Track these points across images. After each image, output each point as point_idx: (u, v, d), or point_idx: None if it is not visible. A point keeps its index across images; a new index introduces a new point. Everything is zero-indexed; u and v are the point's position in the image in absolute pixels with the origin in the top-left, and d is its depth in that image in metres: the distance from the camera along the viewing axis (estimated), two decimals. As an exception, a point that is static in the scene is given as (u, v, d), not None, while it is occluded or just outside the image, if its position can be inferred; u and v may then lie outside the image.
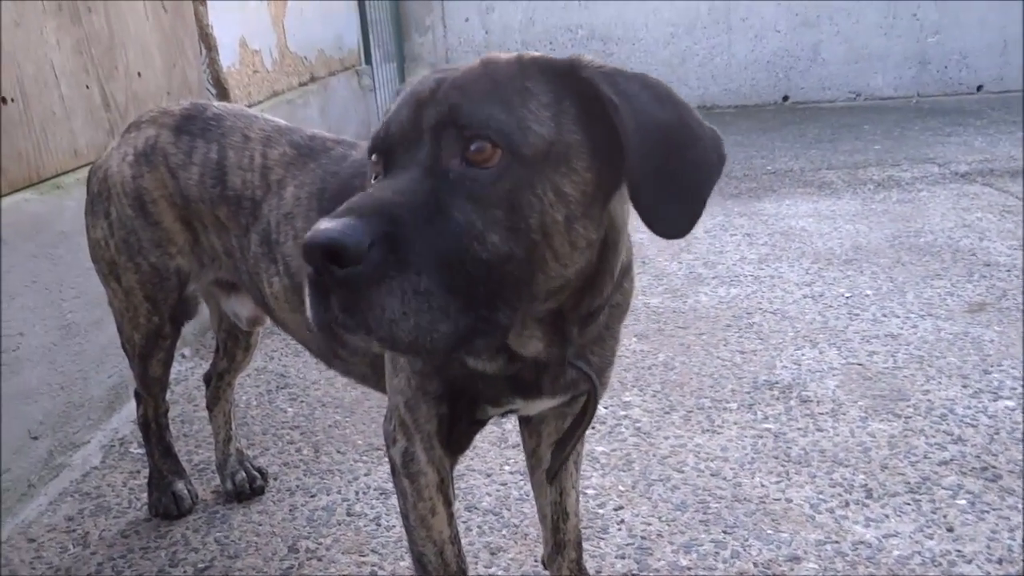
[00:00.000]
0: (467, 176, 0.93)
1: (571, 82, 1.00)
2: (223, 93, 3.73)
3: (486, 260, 0.91)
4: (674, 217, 0.98)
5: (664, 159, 0.96)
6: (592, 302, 1.12)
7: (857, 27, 7.54)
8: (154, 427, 2.02)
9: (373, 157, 1.04)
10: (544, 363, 1.16)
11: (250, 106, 4.00)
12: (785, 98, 7.79)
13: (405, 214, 0.90)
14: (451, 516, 1.37)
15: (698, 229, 4.03)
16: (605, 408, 2.46)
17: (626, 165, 0.96)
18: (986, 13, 7.41)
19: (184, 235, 1.71)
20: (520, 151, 0.93)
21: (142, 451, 2.15)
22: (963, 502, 1.93)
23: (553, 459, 1.34)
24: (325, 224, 0.87)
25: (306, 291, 0.92)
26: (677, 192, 0.97)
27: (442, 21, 7.63)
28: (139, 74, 2.94)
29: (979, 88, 7.64)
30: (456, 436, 1.31)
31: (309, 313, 0.92)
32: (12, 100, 2.23)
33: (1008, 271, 3.34)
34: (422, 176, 0.94)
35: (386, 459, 1.39)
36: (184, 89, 3.30)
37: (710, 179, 0.99)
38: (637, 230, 3.75)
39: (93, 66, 2.66)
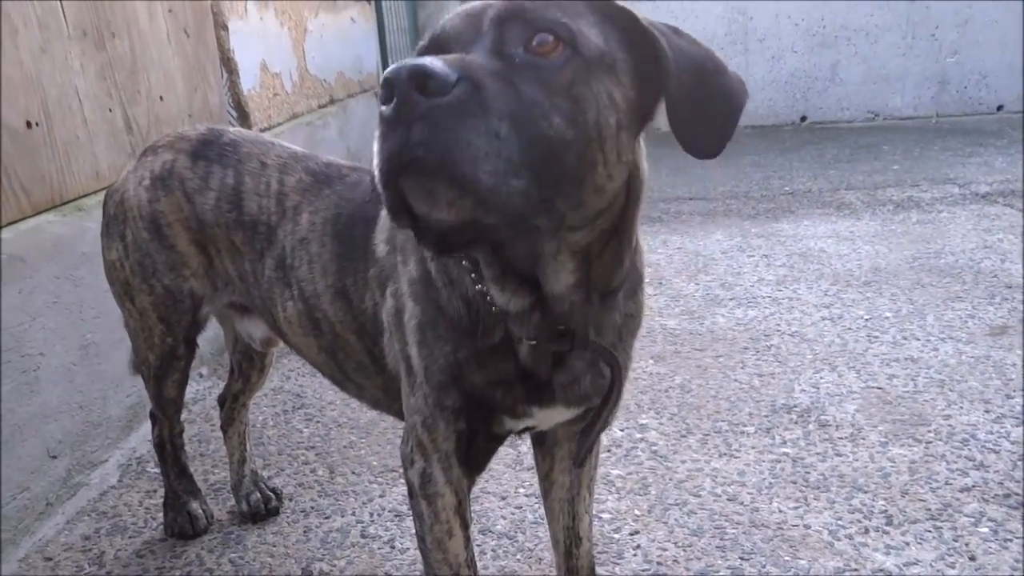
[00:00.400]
0: (532, 63, 0.95)
1: (610, 13, 1.04)
2: (243, 116, 3.78)
3: (551, 139, 0.92)
4: (707, 137, 1.03)
5: (698, 83, 1.02)
6: (614, 265, 1.13)
7: (875, 48, 7.53)
8: (169, 448, 2.03)
9: None
10: (567, 320, 1.14)
11: (270, 128, 4.04)
12: (803, 118, 7.78)
13: (481, 71, 0.90)
14: (468, 539, 1.37)
15: (715, 250, 4.03)
16: (621, 431, 2.44)
17: (666, 88, 1.01)
18: (1005, 33, 7.38)
19: (198, 258, 1.73)
20: (580, 49, 0.97)
21: (159, 470, 2.16)
22: (985, 530, 1.89)
23: (579, 444, 1.31)
24: (408, 60, 0.86)
25: (375, 138, 0.89)
26: (710, 114, 1.03)
27: (460, 43, 7.71)
28: (161, 98, 2.99)
29: (999, 108, 7.59)
30: (474, 454, 1.31)
31: (376, 161, 0.89)
32: (36, 124, 2.27)
33: (1031, 293, 3.30)
34: (489, 55, 0.95)
35: (401, 481, 1.40)
36: (205, 112, 3.35)
37: (739, 104, 1.05)
38: (654, 251, 3.70)
39: (116, 90, 2.70)
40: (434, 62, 0.86)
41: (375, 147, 0.89)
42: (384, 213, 1.36)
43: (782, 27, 7.56)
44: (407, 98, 0.84)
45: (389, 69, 0.86)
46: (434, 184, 0.87)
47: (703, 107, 1.02)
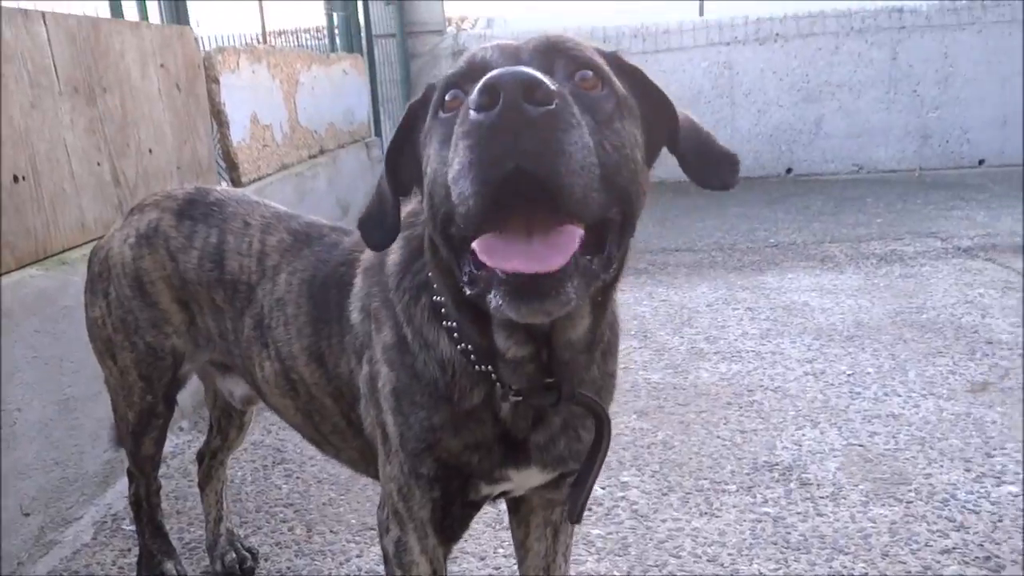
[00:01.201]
0: (579, 94, 0.97)
1: (622, 66, 1.10)
2: (232, 167, 3.82)
3: (611, 162, 0.95)
4: (716, 176, 1.12)
5: (694, 136, 1.13)
6: (606, 310, 1.14)
7: (858, 102, 7.69)
8: (145, 506, 2.01)
9: (451, 92, 1.01)
10: (557, 372, 1.13)
11: (259, 179, 4.08)
12: (789, 170, 7.90)
13: (561, 87, 0.90)
14: None
15: (700, 302, 4.03)
16: (603, 488, 2.43)
17: (675, 137, 1.12)
18: (985, 90, 7.56)
19: (180, 316, 1.73)
20: (615, 87, 1.02)
21: (134, 528, 2.13)
22: (965, 594, 1.88)
23: (572, 500, 1.26)
24: (511, 67, 0.86)
25: (462, 149, 0.87)
26: (713, 159, 1.13)
27: (451, 94, 7.83)
28: (150, 151, 3.02)
29: (981, 162, 7.73)
30: (450, 522, 1.31)
31: (472, 169, 0.86)
32: (23, 178, 2.29)
33: (1010, 350, 3.32)
34: None
35: (379, 540, 1.39)
36: (194, 164, 3.38)
37: (733, 153, 1.14)
38: (639, 303, 3.70)
39: (105, 144, 2.73)
40: (533, 71, 0.85)
41: (462, 156, 0.87)
42: (359, 281, 1.38)
43: (767, 82, 7.72)
44: (516, 105, 0.83)
45: (492, 75, 0.84)
46: (535, 192, 0.86)
47: (706, 159, 1.12)
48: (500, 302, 0.90)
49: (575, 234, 0.89)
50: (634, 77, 1.10)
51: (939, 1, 7.53)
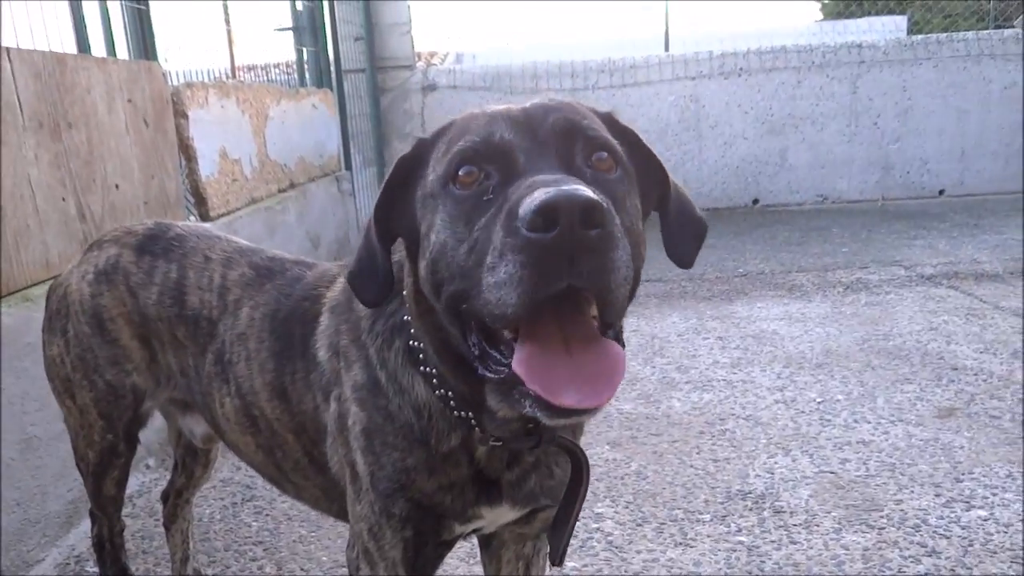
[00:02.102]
0: (598, 178, 1.01)
1: (620, 131, 1.13)
2: (201, 202, 3.79)
3: (632, 247, 0.98)
4: (686, 251, 1.18)
5: (680, 205, 1.19)
6: None
7: (821, 135, 7.86)
8: (109, 548, 1.96)
9: (466, 168, 1.01)
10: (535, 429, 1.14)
11: (228, 213, 4.05)
12: (755, 201, 8.02)
13: (601, 195, 0.92)
14: None
15: (671, 332, 4.04)
16: (577, 520, 2.41)
17: (665, 205, 1.17)
18: (943, 123, 7.77)
19: (141, 353, 1.70)
20: (626, 166, 1.06)
21: (97, 570, 2.07)
22: (938, 619, 1.89)
23: (554, 542, 1.26)
24: (566, 187, 0.86)
25: (512, 262, 0.88)
26: (687, 233, 1.19)
27: (422, 129, 7.87)
28: (117, 186, 2.99)
29: (941, 192, 7.92)
30: (422, 562, 1.29)
31: (519, 288, 0.88)
32: (-15, 214, 2.25)
33: (975, 375, 3.37)
34: (560, 168, 0.99)
35: (349, 580, 1.36)
36: (162, 199, 3.35)
37: (705, 228, 1.21)
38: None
39: (71, 179, 2.70)
40: (588, 192, 0.87)
41: (512, 268, 0.88)
42: (325, 318, 1.37)
43: (733, 115, 7.87)
44: (573, 230, 0.85)
45: (549, 197, 0.85)
46: (584, 304, 0.94)
47: (684, 226, 1.17)
48: (536, 412, 0.94)
49: (621, 358, 0.95)
50: (628, 139, 1.13)
51: (896, 37, 7.75)
